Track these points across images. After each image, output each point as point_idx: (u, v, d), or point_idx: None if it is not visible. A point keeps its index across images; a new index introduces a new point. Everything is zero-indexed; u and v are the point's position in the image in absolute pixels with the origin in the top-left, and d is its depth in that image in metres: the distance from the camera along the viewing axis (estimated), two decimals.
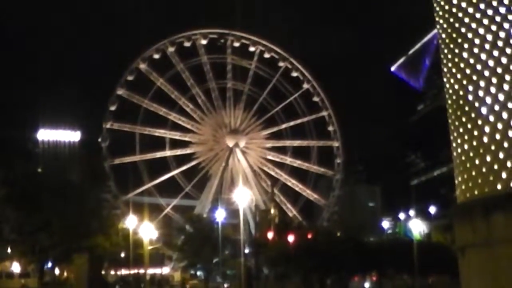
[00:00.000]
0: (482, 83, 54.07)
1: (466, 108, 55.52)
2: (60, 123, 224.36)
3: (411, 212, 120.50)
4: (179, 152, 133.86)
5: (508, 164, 50.81)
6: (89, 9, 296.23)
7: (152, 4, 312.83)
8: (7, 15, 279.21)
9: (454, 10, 58.38)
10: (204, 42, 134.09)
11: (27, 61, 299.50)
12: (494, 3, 54.81)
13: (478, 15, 55.73)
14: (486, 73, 53.91)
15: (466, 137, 55.27)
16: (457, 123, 57.13)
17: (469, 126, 54.99)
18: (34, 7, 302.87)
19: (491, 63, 53.73)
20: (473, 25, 56.01)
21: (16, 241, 76.31)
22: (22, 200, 70.25)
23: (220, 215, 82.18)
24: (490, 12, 54.90)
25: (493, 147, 51.89)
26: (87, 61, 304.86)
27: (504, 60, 53.36)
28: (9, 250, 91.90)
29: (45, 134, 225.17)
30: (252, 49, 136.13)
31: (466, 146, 55.18)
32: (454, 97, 58.02)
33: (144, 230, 74.57)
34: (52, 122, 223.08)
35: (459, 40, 57.53)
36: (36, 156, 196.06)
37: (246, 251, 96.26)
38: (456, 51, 57.82)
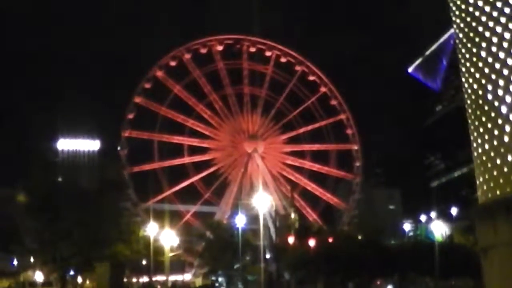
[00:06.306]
0: (501, 82, 53.47)
1: (486, 108, 54.97)
2: (79, 132, 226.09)
3: (432, 214, 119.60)
4: (197, 158, 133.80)
5: None
6: (106, 19, 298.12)
7: (167, 12, 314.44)
8: (26, 28, 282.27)
9: (470, 9, 57.91)
10: (220, 48, 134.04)
11: (45, 72, 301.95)
12: (511, 1, 54.22)
13: (495, 14, 55.11)
14: (505, 71, 53.29)
15: (486, 137, 54.72)
16: (476, 123, 56.61)
17: (489, 125, 54.42)
18: (51, 18, 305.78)
19: (509, 61, 53.09)
20: (491, 24, 55.42)
21: (38, 251, 77.08)
22: (42, 209, 70.94)
23: (240, 220, 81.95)
24: (507, 10, 54.25)
25: None
26: (104, 70, 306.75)
27: None
28: (31, 260, 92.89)
29: (64, 144, 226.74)
30: (268, 54, 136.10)
31: (486, 146, 54.63)
32: (473, 97, 57.52)
33: (165, 237, 74.82)
34: (72, 132, 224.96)
35: (477, 39, 57.02)
36: (55, 166, 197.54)
37: (267, 256, 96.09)
38: (474, 50, 57.32)
